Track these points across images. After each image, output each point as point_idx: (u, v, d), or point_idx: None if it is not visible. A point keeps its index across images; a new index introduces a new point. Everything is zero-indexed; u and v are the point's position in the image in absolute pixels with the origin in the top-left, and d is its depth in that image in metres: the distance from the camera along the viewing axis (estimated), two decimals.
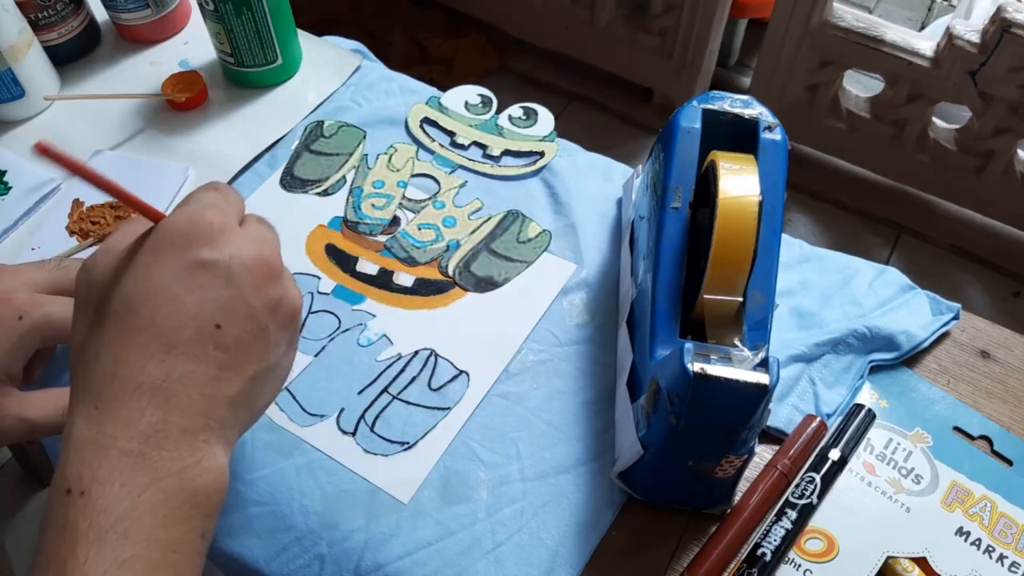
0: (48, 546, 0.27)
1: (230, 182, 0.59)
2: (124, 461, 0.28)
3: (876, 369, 0.50)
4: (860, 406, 0.48)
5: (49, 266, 0.43)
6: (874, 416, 0.48)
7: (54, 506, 0.28)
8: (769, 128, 0.45)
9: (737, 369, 0.36)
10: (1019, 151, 1.32)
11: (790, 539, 0.43)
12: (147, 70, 0.67)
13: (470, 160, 0.61)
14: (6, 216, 0.57)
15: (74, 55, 0.67)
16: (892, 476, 0.45)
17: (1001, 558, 0.43)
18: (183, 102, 0.62)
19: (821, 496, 0.44)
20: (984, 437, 0.48)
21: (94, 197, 0.58)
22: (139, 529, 0.27)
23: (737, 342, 0.41)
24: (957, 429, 0.48)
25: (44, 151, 0.30)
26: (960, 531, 0.44)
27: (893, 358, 0.50)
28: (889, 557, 0.43)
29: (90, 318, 0.31)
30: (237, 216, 0.34)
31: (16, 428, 0.39)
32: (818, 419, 0.47)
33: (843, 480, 0.45)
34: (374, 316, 0.52)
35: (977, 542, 0.43)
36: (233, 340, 0.31)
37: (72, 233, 0.56)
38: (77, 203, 0.58)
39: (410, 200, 0.58)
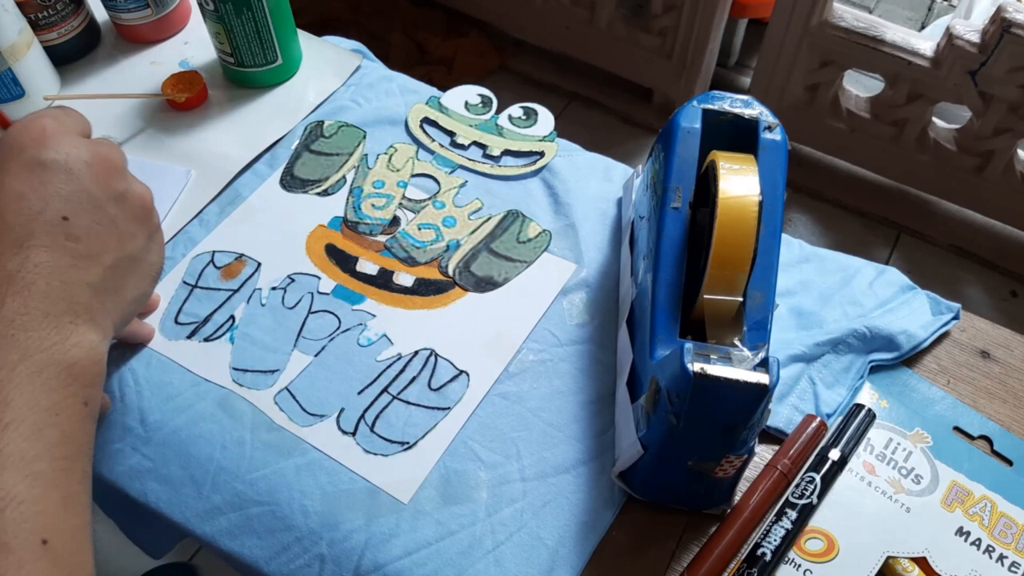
0: None
1: (230, 182, 0.59)
2: None
3: (876, 369, 0.50)
4: (860, 406, 0.48)
5: None
6: (874, 416, 0.48)
7: None
8: (769, 128, 0.45)
9: (737, 369, 0.36)
10: (1019, 151, 1.32)
11: (790, 539, 0.43)
12: (147, 70, 0.67)
13: (470, 160, 0.61)
14: None
15: (74, 55, 0.67)
16: (892, 476, 0.45)
17: (1001, 558, 0.43)
18: (183, 102, 0.62)
19: (821, 496, 0.44)
20: (984, 437, 0.48)
21: None
22: (17, 396, 0.30)
23: (737, 342, 0.41)
24: (957, 429, 0.48)
25: None
26: (960, 531, 0.44)
27: (893, 358, 0.50)
28: (889, 557, 0.43)
29: None
30: (76, 130, 0.36)
31: None
32: (818, 419, 0.47)
33: (843, 480, 0.45)
34: (374, 316, 0.52)
35: (977, 542, 0.43)
36: (83, 231, 0.34)
37: None
38: None
39: (410, 200, 0.58)
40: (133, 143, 0.61)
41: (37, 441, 0.30)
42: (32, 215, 0.32)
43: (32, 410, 0.30)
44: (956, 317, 0.53)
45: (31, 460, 0.29)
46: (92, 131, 0.38)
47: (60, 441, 0.31)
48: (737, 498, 0.45)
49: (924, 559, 0.43)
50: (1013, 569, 0.42)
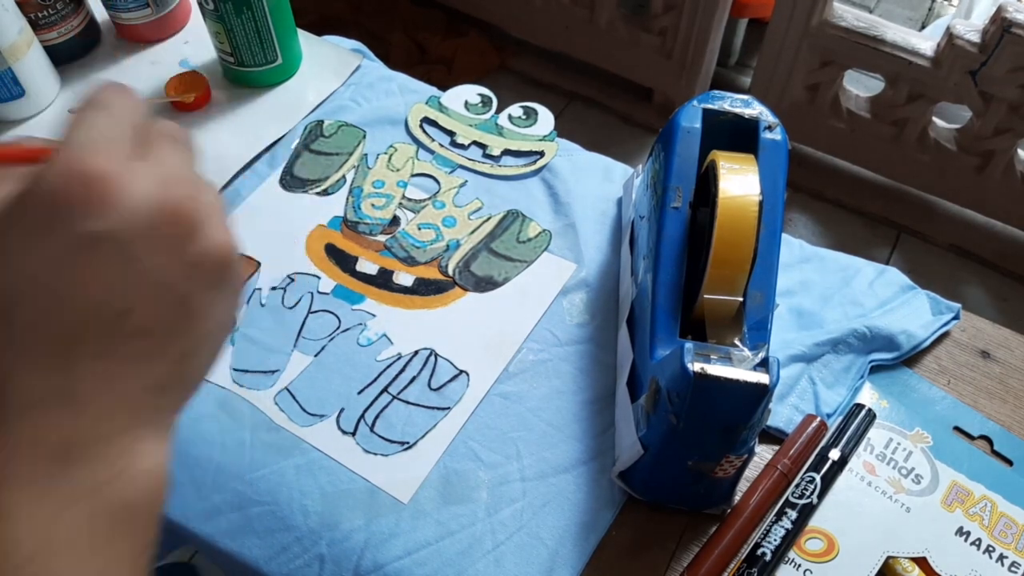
0: None
1: (230, 182, 0.59)
2: (31, 489, 0.23)
3: (876, 369, 0.50)
4: (860, 406, 0.48)
5: None
6: (874, 416, 0.47)
7: None
8: (769, 128, 0.45)
9: (737, 369, 0.36)
10: (1019, 151, 1.32)
11: (790, 539, 0.43)
12: (147, 70, 0.67)
13: (470, 160, 0.61)
14: None
15: (74, 54, 0.67)
16: (892, 476, 0.45)
17: (1001, 558, 0.43)
18: (191, 102, 0.62)
19: (821, 496, 0.44)
20: (984, 437, 0.48)
21: None
22: (56, 564, 0.23)
23: (737, 342, 0.41)
24: (957, 429, 0.48)
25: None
26: (960, 531, 0.44)
27: (893, 358, 0.50)
28: (889, 557, 0.42)
29: None
30: (132, 139, 0.25)
31: None
32: (818, 419, 0.47)
33: (843, 480, 0.45)
34: (374, 316, 0.52)
35: (977, 542, 0.43)
36: (147, 322, 0.25)
37: None
38: None
39: (410, 200, 0.58)
40: None
41: None
42: (79, 315, 0.23)
43: None
44: (956, 317, 0.52)
45: None
46: (143, 108, 0.27)
47: None
48: (737, 498, 0.45)
49: (924, 559, 0.43)
50: (1013, 569, 0.42)
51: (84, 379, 0.24)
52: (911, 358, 0.51)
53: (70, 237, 0.23)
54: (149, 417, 0.25)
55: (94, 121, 0.24)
